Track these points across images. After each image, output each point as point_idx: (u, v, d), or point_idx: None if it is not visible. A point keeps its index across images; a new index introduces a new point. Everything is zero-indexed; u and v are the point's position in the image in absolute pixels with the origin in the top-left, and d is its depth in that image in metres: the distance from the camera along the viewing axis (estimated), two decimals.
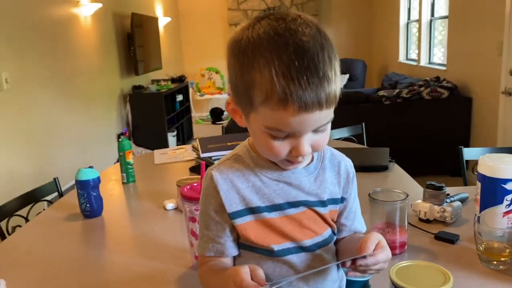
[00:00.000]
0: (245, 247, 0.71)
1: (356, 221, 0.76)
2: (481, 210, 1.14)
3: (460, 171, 1.91)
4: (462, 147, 1.90)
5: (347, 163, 0.76)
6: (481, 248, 1.04)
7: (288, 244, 0.69)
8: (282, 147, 0.64)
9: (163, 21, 6.45)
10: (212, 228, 0.71)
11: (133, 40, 4.89)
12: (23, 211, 1.69)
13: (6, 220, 1.60)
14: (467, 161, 1.94)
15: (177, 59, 7.33)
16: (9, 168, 2.81)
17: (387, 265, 0.67)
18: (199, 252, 0.74)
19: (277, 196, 0.69)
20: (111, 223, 1.46)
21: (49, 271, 1.15)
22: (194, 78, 7.29)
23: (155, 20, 5.86)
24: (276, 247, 0.69)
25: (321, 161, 0.74)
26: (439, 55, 5.13)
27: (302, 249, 0.70)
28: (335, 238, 0.75)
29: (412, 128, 3.95)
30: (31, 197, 1.75)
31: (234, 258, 0.73)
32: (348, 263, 0.64)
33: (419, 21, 5.35)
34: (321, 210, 0.71)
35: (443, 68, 4.59)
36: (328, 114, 0.62)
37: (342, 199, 0.75)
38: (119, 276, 1.11)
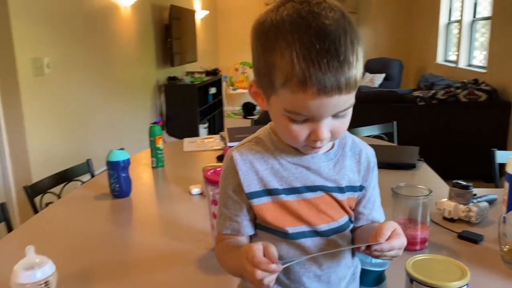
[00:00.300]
0: (261, 228, 0.73)
1: (374, 210, 0.76)
2: (508, 211, 1.11)
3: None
4: (495, 149, 1.85)
5: (369, 152, 0.76)
6: (504, 249, 1.02)
7: (303, 228, 0.70)
8: (301, 131, 0.64)
9: (200, 14, 6.52)
10: (230, 207, 0.73)
11: (170, 32, 4.98)
12: (57, 189, 1.77)
13: (40, 196, 1.68)
14: (501, 165, 1.89)
15: (212, 52, 7.41)
16: (47, 148, 2.93)
17: (401, 252, 0.67)
18: (217, 229, 0.76)
19: (295, 180, 0.70)
20: (138, 204, 1.51)
21: (76, 244, 1.20)
22: (228, 72, 7.35)
23: (192, 12, 5.94)
24: (291, 229, 0.70)
25: (342, 148, 0.74)
26: (480, 58, 4.97)
27: (317, 233, 0.71)
28: (351, 225, 0.75)
29: (446, 130, 3.85)
30: (65, 176, 1.83)
31: (251, 238, 0.75)
32: (363, 248, 0.65)
33: (460, 21, 5.20)
34: (338, 196, 0.71)
35: (483, 70, 4.45)
36: (348, 99, 0.62)
37: (361, 187, 0.75)
38: (142, 253, 1.15)
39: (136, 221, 1.40)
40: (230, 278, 0.93)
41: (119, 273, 1.04)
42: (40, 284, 0.85)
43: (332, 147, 0.73)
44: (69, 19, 3.25)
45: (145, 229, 1.31)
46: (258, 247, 0.61)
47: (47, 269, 0.87)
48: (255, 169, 0.71)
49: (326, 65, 0.58)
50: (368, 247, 0.65)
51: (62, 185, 1.80)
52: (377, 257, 0.66)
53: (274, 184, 0.70)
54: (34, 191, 1.66)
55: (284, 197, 0.70)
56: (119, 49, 4.13)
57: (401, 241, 0.66)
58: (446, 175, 1.76)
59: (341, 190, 0.72)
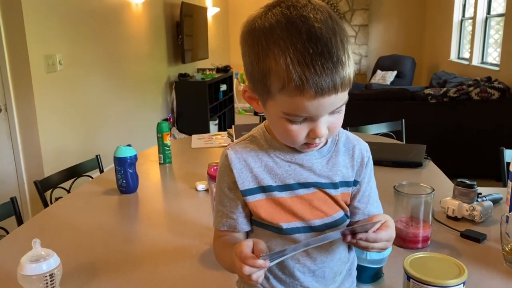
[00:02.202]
0: (257, 224, 0.74)
1: (370, 204, 0.77)
2: (510, 210, 1.10)
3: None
4: (504, 148, 1.83)
5: (362, 147, 0.77)
6: (507, 248, 1.02)
7: (297, 223, 0.71)
8: (300, 131, 0.66)
9: (212, 11, 6.54)
10: (226, 204, 0.74)
11: (182, 29, 5.00)
12: (67, 184, 1.80)
13: (50, 191, 1.72)
14: (509, 164, 1.87)
15: (224, 49, 7.42)
16: (59, 144, 2.98)
17: (390, 245, 0.68)
18: (214, 226, 0.78)
19: (288, 177, 0.71)
20: (145, 199, 1.53)
21: (83, 238, 1.23)
22: (239, 69, 7.35)
23: (204, 9, 5.96)
24: (285, 225, 0.71)
25: (335, 144, 0.75)
26: (494, 55, 4.90)
27: (310, 228, 0.72)
28: (348, 220, 0.76)
29: (457, 128, 3.82)
30: (74, 172, 1.86)
31: (247, 234, 0.76)
32: (349, 237, 0.65)
33: (473, 18, 5.14)
34: (332, 192, 0.72)
35: (496, 68, 4.40)
36: (343, 96, 0.64)
37: (355, 182, 0.75)
38: (146, 248, 1.17)
39: (142, 216, 1.42)
40: (231, 274, 0.95)
41: (123, 266, 1.06)
42: (45, 276, 0.87)
43: (325, 143, 0.74)
44: (82, 16, 3.29)
45: (151, 224, 1.33)
46: (247, 243, 0.62)
47: (52, 262, 0.89)
48: (249, 166, 0.72)
49: (321, 68, 0.59)
50: (354, 236, 0.65)
51: (71, 180, 1.83)
52: (363, 248, 0.66)
53: (268, 181, 0.71)
54: (44, 186, 1.70)
55: (277, 194, 0.71)
56: (131, 46, 4.17)
57: (390, 233, 0.67)
58: (457, 174, 1.74)
59: (334, 185, 0.73)
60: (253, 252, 0.62)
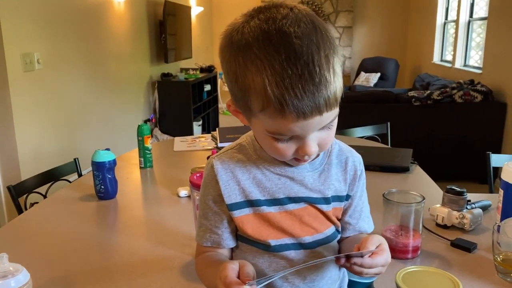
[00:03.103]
0: (243, 240, 0.69)
1: (361, 220, 0.73)
2: (502, 219, 1.08)
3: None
4: (490, 153, 1.82)
5: (356, 159, 0.72)
6: (498, 259, 0.99)
7: (286, 240, 0.67)
8: (288, 148, 0.61)
9: (195, 10, 6.46)
10: (210, 218, 0.69)
11: (165, 28, 4.92)
12: (43, 189, 1.72)
13: (24, 196, 1.64)
14: (496, 168, 1.86)
15: (208, 49, 7.35)
16: (37, 146, 2.88)
17: (385, 270, 0.64)
18: (196, 241, 0.73)
19: (278, 191, 0.67)
20: (124, 206, 1.47)
21: (57, 248, 1.16)
22: None
23: (187, 9, 5.88)
24: (274, 242, 0.66)
25: (328, 156, 0.70)
26: (476, 58, 4.94)
27: (301, 245, 0.67)
28: (339, 236, 0.72)
29: (441, 131, 3.84)
30: (51, 176, 1.78)
31: (232, 250, 0.72)
32: (343, 260, 0.61)
33: (456, 21, 5.18)
34: (323, 207, 0.68)
35: (479, 71, 4.44)
36: (330, 115, 0.59)
37: (347, 197, 0.71)
38: (126, 258, 1.11)
39: (121, 224, 1.36)
40: None
41: (99, 279, 1.00)
42: None
43: (317, 155, 0.69)
44: (62, 13, 3.19)
45: (129, 233, 1.27)
46: (232, 266, 0.58)
47: (21, 278, 0.82)
48: (236, 178, 0.67)
49: (302, 91, 0.54)
50: (349, 260, 0.61)
51: (48, 184, 1.75)
52: (357, 273, 0.62)
53: (256, 195, 0.67)
54: (18, 191, 1.62)
55: (265, 209, 0.66)
56: (113, 45, 4.08)
57: (385, 258, 0.62)
58: (441, 176, 1.72)
59: (326, 200, 0.68)
60: (238, 276, 0.57)
